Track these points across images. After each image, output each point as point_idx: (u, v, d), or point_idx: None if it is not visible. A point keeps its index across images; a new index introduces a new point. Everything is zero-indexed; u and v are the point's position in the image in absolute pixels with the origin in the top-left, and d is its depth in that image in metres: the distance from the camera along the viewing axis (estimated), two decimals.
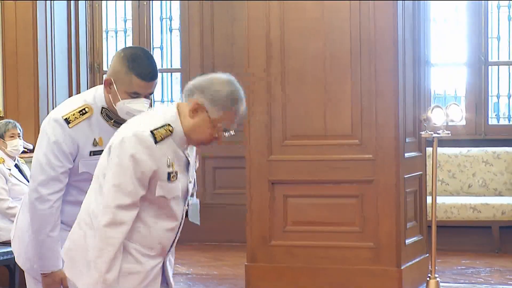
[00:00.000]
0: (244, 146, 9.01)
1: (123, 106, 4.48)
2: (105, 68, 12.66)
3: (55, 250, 4.66)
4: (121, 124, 4.37)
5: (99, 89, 4.64)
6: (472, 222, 10.93)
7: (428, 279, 8.61)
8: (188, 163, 4.29)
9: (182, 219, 4.45)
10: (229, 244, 11.04)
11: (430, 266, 8.70)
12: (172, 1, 12.58)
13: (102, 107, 4.58)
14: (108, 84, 4.52)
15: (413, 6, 9.03)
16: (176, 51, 12.55)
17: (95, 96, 4.63)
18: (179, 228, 4.45)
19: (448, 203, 10.85)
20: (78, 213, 4.33)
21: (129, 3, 12.66)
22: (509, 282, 9.19)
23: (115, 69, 4.53)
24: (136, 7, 12.56)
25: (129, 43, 12.64)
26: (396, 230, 8.37)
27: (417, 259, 8.96)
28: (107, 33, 12.81)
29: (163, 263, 4.42)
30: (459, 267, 9.90)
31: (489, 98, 11.78)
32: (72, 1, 11.47)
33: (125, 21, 12.70)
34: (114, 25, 12.78)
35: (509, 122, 11.79)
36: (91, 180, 4.32)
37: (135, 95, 4.47)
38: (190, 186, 4.39)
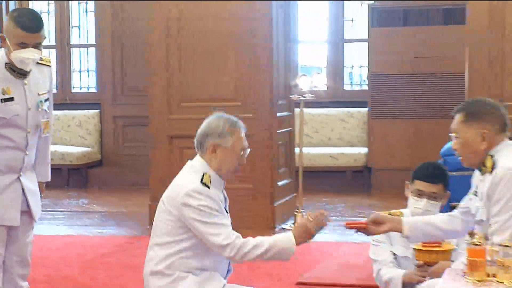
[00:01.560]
0: (148, 108, 8.93)
1: (15, 56, 4.39)
2: None
3: None
4: (24, 75, 4.50)
5: (2, 49, 4.52)
6: (331, 168, 11.07)
7: (295, 213, 8.72)
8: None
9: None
10: (136, 187, 10.94)
11: (297, 203, 8.80)
12: None
13: (6, 63, 4.46)
14: (3, 41, 4.44)
15: None
16: (92, 29, 12.30)
17: (1, 55, 4.51)
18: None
19: (312, 153, 10.95)
20: None
21: None
22: (359, 215, 9.33)
23: (6, 27, 4.46)
24: None
25: (52, 23, 12.30)
26: (270, 174, 8.45)
27: (287, 198, 9.06)
28: None
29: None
30: (320, 204, 10.03)
31: (345, 69, 11.92)
32: None
33: (48, 4, 12.36)
34: (39, 5, 12.42)
35: (361, 87, 11.92)
36: (6, 124, 4.41)
37: (23, 45, 4.36)
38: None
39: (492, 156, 3.85)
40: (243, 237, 4.10)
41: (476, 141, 3.89)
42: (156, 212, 4.32)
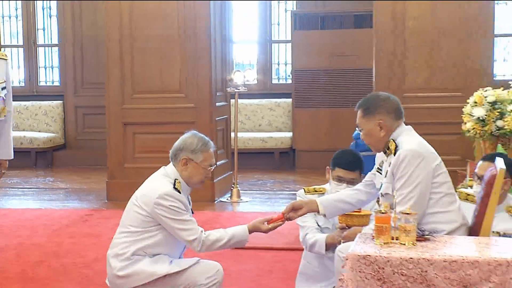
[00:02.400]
0: (105, 98, 8.85)
1: None
2: (2, 43, 12.14)
3: None
4: None
5: None
6: (261, 149, 11.10)
7: (232, 188, 8.72)
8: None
9: None
10: (95, 167, 10.85)
11: (233, 179, 8.81)
12: None
13: None
14: None
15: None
16: (55, 31, 12.10)
17: None
18: None
19: (245, 137, 10.97)
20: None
21: None
22: (285, 190, 9.39)
23: None
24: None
25: (20, 26, 12.10)
26: None
27: (224, 175, 9.07)
28: (3, 17, 12.23)
29: None
30: (253, 180, 10.05)
31: (272, 65, 11.94)
32: None
33: (16, 9, 12.12)
34: (8, 11, 12.18)
35: (286, 81, 11.95)
36: None
37: None
38: None
39: (394, 140, 3.91)
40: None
41: (376, 130, 3.95)
42: (128, 205, 4.30)
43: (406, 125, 4.03)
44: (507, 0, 10.84)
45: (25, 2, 12.01)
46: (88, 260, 6.23)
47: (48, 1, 12.11)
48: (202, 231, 4.14)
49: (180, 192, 4.15)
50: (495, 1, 9.27)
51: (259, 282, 5.60)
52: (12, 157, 5.09)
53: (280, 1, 11.83)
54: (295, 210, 4.23)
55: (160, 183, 4.19)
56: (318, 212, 4.18)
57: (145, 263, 4.15)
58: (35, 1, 12.06)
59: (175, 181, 4.16)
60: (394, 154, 3.86)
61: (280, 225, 4.28)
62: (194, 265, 4.21)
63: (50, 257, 6.32)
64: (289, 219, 4.26)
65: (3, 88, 4.73)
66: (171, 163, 4.29)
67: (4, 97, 4.72)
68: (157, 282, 4.14)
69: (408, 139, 3.89)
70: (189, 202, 4.30)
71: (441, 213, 3.85)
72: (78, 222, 7.72)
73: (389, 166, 3.90)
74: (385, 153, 3.99)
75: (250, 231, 4.25)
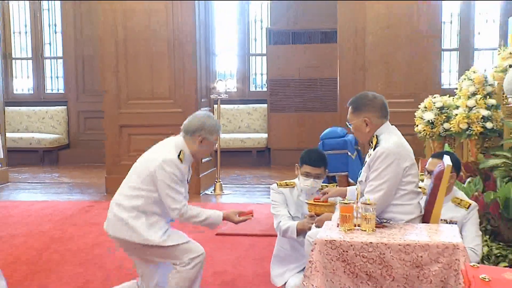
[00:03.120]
0: (103, 104, 8.80)
1: None
2: (13, 56, 12.01)
3: None
4: None
5: None
6: (241, 149, 11.09)
7: (215, 182, 8.69)
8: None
9: None
10: (95, 164, 10.81)
11: (216, 175, 8.78)
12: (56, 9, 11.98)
13: None
14: None
15: (205, 16, 8.98)
16: (60, 45, 12.01)
17: None
18: None
19: (227, 137, 10.95)
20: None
21: (28, 12, 11.99)
22: (262, 184, 9.39)
23: None
24: (33, 16, 11.93)
25: (29, 41, 12.01)
26: None
27: (209, 171, 9.04)
28: (14, 33, 12.10)
29: None
30: (234, 175, 10.04)
31: (250, 75, 11.91)
32: None
33: (25, 26, 12.01)
34: (19, 28, 12.07)
35: (262, 89, 11.93)
36: None
37: None
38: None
39: (377, 136, 3.91)
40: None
41: (362, 126, 3.94)
42: (136, 163, 4.30)
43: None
44: None
45: (34, 19, 11.91)
46: (88, 245, 6.20)
47: (54, 19, 12.00)
48: (185, 205, 4.11)
49: (182, 162, 4.13)
50: (443, 20, 9.34)
51: (238, 264, 5.59)
52: (1, 156, 4.97)
53: (257, 19, 11.81)
54: (324, 194, 4.37)
55: (167, 150, 4.17)
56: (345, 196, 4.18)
57: (141, 224, 4.12)
58: (42, 19, 11.95)
59: (180, 152, 4.15)
60: (374, 149, 3.87)
61: (250, 218, 4.35)
62: (183, 243, 4.18)
63: (56, 243, 6.28)
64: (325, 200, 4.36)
65: None
66: (181, 135, 4.26)
67: None
68: (144, 247, 4.12)
69: (388, 137, 3.88)
70: (190, 171, 4.29)
71: (402, 205, 3.86)
72: (80, 212, 7.66)
73: (369, 157, 3.91)
74: (369, 145, 4.00)
75: (224, 219, 4.27)
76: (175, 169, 4.09)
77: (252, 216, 4.36)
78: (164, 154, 4.14)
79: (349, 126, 4.04)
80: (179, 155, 4.13)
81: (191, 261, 4.15)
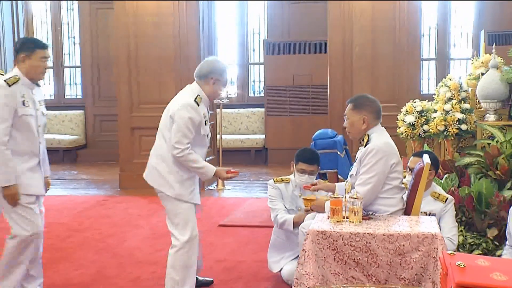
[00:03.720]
0: (117, 108, 8.78)
1: None
2: None
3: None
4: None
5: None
6: (240, 148, 11.04)
7: (217, 178, 8.62)
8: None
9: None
10: (110, 162, 10.77)
11: None
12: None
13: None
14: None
15: (208, 29, 8.94)
16: (78, 55, 11.97)
17: None
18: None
19: (228, 138, 10.91)
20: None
21: (49, 26, 11.94)
22: (260, 180, 9.35)
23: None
24: (54, 29, 11.90)
25: (50, 51, 11.90)
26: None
27: None
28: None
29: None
30: None
31: (249, 82, 11.87)
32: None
33: (47, 38, 11.97)
34: (41, 39, 12.00)
35: (260, 95, 11.87)
36: None
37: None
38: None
39: (369, 135, 3.90)
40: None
41: (359, 123, 3.92)
42: (162, 116, 4.21)
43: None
44: None
45: (55, 32, 11.88)
46: (103, 236, 6.17)
47: (73, 32, 11.95)
48: (188, 148, 4.00)
49: (199, 105, 4.04)
50: (422, 33, 9.32)
51: (238, 252, 5.56)
52: None
53: (255, 32, 11.79)
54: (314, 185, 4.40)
55: (184, 96, 4.11)
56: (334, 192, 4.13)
57: (174, 179, 4.06)
58: (62, 32, 11.92)
59: (196, 96, 4.08)
60: (365, 146, 3.86)
61: (235, 176, 4.26)
62: (193, 219, 4.14)
63: (73, 233, 6.25)
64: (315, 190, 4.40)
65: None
66: (195, 81, 4.20)
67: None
68: (168, 197, 4.08)
69: (379, 137, 3.88)
70: (208, 112, 4.21)
71: (388, 198, 3.86)
72: (96, 206, 7.63)
73: (360, 153, 3.89)
74: (360, 143, 3.98)
75: (215, 173, 4.17)
76: (192, 113, 4.00)
77: (237, 175, 4.29)
78: (181, 100, 4.07)
79: (346, 120, 4.01)
80: (195, 99, 4.05)
81: (181, 237, 4.07)
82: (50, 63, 11.98)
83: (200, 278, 4.56)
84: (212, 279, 4.72)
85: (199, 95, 4.09)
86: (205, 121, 4.13)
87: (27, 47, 4.05)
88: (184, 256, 4.08)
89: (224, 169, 4.23)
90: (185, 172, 4.08)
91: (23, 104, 3.90)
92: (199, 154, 4.10)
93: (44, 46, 4.10)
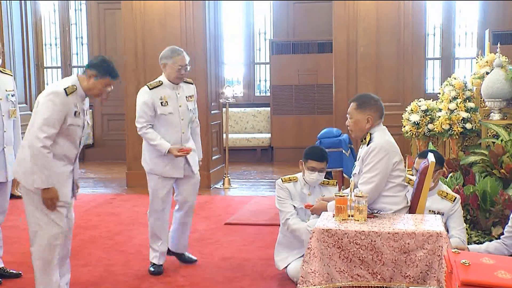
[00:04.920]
0: (125, 108, 8.79)
1: None
2: (45, 65, 11.98)
3: None
4: None
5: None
6: (246, 147, 11.04)
7: (224, 177, 8.67)
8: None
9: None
10: (117, 161, 10.77)
11: (225, 170, 8.76)
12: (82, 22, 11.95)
13: None
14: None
15: (215, 29, 8.93)
16: (86, 55, 11.99)
17: None
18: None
19: (234, 137, 10.91)
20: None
21: (58, 26, 11.97)
22: (265, 178, 9.36)
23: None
24: (62, 29, 11.92)
25: (59, 51, 11.96)
26: (207, 153, 8.35)
27: (218, 167, 9.02)
28: (45, 45, 12.08)
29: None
30: (240, 171, 10.01)
31: (255, 82, 11.87)
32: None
33: (56, 39, 11.99)
34: (50, 40, 12.05)
35: (265, 94, 11.87)
36: None
37: None
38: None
39: (371, 134, 3.89)
40: None
41: (363, 122, 3.90)
42: None
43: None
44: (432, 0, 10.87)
45: (63, 32, 11.90)
46: (111, 233, 6.19)
47: (81, 32, 11.97)
48: (151, 126, 4.82)
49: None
50: (427, 32, 9.29)
51: (244, 250, 5.56)
52: None
53: (261, 31, 11.79)
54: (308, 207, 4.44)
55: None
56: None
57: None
58: (70, 32, 11.93)
59: (159, 81, 4.94)
60: (367, 144, 3.85)
61: (186, 154, 4.80)
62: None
63: (82, 230, 6.25)
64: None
65: (12, 95, 4.80)
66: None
67: (14, 102, 4.79)
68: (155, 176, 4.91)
69: (381, 136, 3.87)
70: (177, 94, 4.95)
71: (391, 197, 3.84)
72: (103, 204, 7.65)
73: (362, 152, 3.90)
74: (361, 141, 3.97)
75: (168, 151, 4.75)
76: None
77: (188, 153, 4.77)
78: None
79: (349, 119, 3.99)
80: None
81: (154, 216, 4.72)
82: (58, 63, 12.03)
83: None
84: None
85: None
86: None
87: (103, 69, 3.98)
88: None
89: (177, 148, 4.75)
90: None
91: (74, 114, 3.88)
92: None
93: (115, 77, 4.04)
